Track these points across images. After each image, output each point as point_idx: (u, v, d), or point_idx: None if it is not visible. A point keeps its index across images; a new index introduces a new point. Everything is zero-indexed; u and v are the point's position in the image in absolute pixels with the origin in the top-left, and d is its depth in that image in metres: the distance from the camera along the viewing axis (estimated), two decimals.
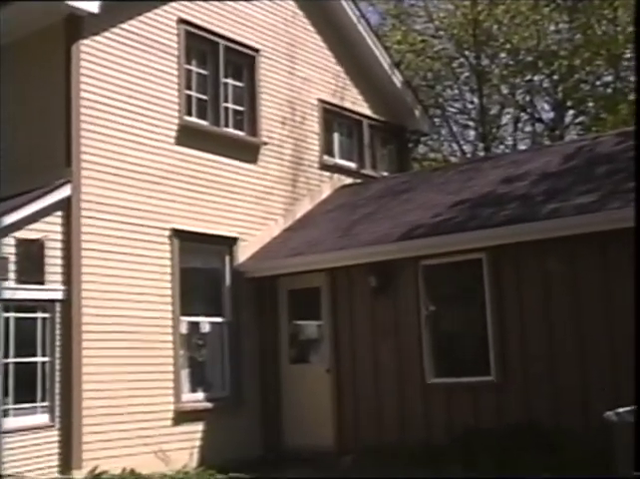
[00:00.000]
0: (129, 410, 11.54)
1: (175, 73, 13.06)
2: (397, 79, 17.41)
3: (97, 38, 12.01)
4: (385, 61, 17.11)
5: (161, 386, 12.06)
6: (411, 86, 18.24)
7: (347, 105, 16.64)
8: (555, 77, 25.30)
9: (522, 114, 27.71)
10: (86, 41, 11.85)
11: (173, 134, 12.93)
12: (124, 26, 12.42)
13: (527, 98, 27.13)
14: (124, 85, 12.26)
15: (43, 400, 10.83)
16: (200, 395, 12.80)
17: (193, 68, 13.60)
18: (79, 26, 11.75)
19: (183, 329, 12.63)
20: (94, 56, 11.93)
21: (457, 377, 11.62)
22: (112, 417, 11.34)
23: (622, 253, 9.99)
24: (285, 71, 15.26)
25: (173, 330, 12.36)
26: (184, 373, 12.59)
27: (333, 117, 16.44)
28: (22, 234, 10.78)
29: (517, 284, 11.17)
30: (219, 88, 13.82)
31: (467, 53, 26.17)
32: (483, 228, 11.27)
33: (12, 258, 10.57)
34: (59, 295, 11.03)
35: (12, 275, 10.57)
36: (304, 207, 15.20)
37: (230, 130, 14.04)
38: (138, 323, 11.86)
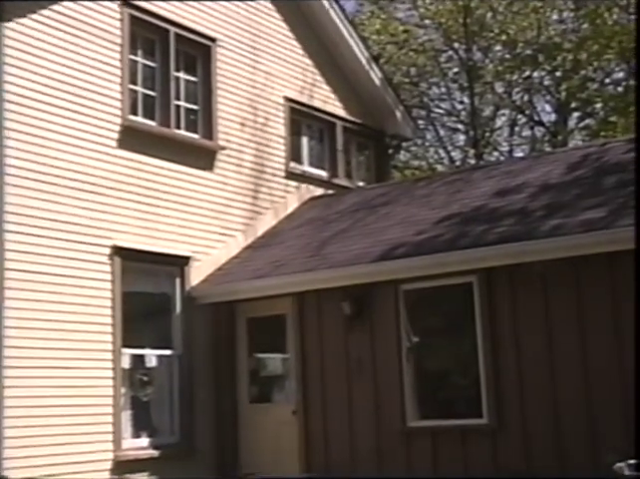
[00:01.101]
0: (60, 460, 11.34)
1: (118, 64, 12.99)
2: (375, 75, 17.47)
3: (23, 21, 11.90)
4: (362, 54, 17.18)
5: (98, 431, 11.91)
6: (391, 83, 18.32)
7: (317, 104, 16.67)
8: (558, 74, 25.55)
9: (520, 116, 27.95)
10: (10, 24, 11.73)
11: (115, 135, 12.85)
12: (56, 8, 12.32)
13: (526, 98, 27.38)
14: (56, 77, 12.15)
15: None
16: (145, 441, 12.69)
17: (139, 59, 13.56)
18: None
19: (125, 364, 12.52)
20: (19, 42, 11.80)
21: (443, 420, 11.61)
22: (39, 469, 11.12)
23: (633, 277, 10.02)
24: (246, 64, 15.25)
25: (113, 365, 12.24)
26: (126, 415, 12.47)
27: (301, 118, 16.45)
28: None
29: (514, 312, 11.18)
30: (170, 83, 13.78)
31: (456, 45, 26.37)
32: (474, 247, 11.29)
33: None
34: None
35: None
36: (267, 221, 15.19)
37: (182, 132, 14.01)
38: (70, 357, 11.72)
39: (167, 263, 13.32)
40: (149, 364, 12.94)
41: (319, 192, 16.36)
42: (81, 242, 12.15)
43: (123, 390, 12.40)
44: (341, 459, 12.29)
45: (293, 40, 16.32)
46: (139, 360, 12.80)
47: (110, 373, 12.20)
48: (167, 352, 13.18)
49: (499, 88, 26.74)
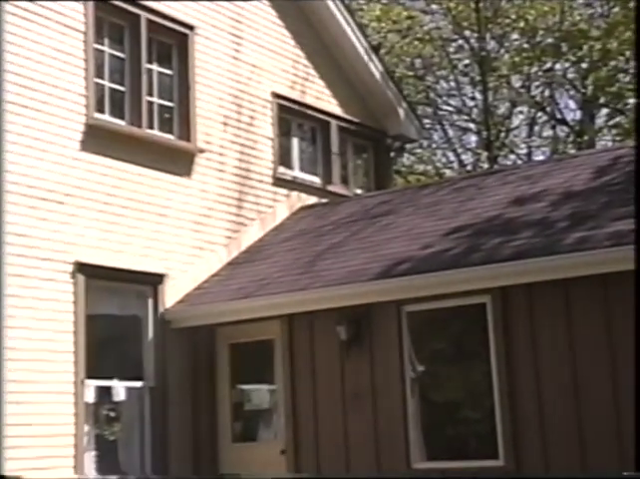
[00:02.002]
0: None
1: (81, 55, 12.97)
2: (375, 67, 17.48)
3: None
4: (360, 44, 17.20)
5: (59, 475, 11.74)
6: (394, 77, 18.35)
7: (310, 101, 16.67)
8: (584, 65, 25.50)
9: (540, 114, 27.96)
10: None
11: (78, 136, 12.82)
12: None
13: (546, 92, 27.39)
14: (9, 69, 12.08)
15: None
16: None
17: (106, 49, 13.56)
18: None
19: (90, 397, 12.45)
20: None
21: (453, 461, 11.56)
22: None
23: None
24: (229, 55, 15.26)
25: (75, 399, 12.16)
26: (89, 457, 12.39)
27: (292, 116, 16.46)
28: None
29: (533, 337, 11.13)
30: (141, 76, 13.76)
31: (467, 33, 26.36)
32: (488, 263, 11.29)
33: None
34: None
35: None
36: (253, 234, 15.18)
37: (155, 132, 14.00)
38: (25, 390, 11.61)
39: (138, 282, 13.30)
40: (116, 398, 12.88)
41: (311, 200, 16.38)
42: (38, 258, 12.09)
43: (86, 428, 12.33)
44: None
45: (282, 28, 16.33)
46: (105, 393, 12.74)
47: (71, 409, 12.11)
48: (138, 384, 13.12)
49: (516, 82, 26.77)
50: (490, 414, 11.32)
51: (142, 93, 13.74)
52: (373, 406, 12.11)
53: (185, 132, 14.33)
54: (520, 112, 28.49)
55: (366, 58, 17.29)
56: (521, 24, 25.07)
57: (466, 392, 11.80)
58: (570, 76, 26.62)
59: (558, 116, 27.80)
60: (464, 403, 11.84)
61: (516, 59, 25.42)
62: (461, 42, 26.90)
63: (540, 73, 26.33)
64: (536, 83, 27.05)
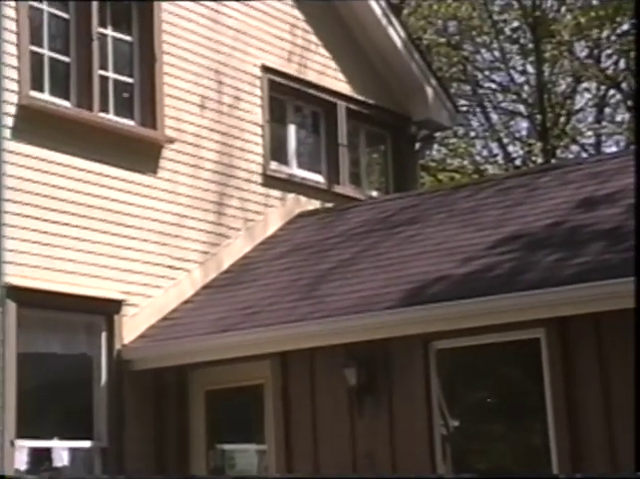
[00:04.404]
0: None
1: (12, 15, 13.02)
2: (396, 33, 17.56)
3: None
4: (376, 2, 17.27)
5: None
6: (420, 46, 18.35)
7: (311, 77, 16.76)
8: None
9: (612, 92, 27.97)
10: None
11: (9, 121, 12.90)
12: None
13: (621, 64, 27.40)
14: None
15: None
16: None
17: (45, 7, 13.63)
18: None
19: (22, 463, 12.47)
20: None
21: None
22: None
23: None
24: (206, 17, 15.33)
25: (2, 464, 12.09)
26: None
27: (287, 97, 16.58)
28: None
29: (603, 383, 11.11)
30: (91, 44, 13.82)
31: None
32: (543, 287, 11.28)
33: None
34: None
35: None
36: (237, 248, 15.25)
37: (110, 117, 14.08)
38: None
39: (88, 311, 13.35)
40: (57, 463, 12.90)
41: (313, 205, 16.45)
42: None
43: None
44: None
45: None
46: (42, 457, 12.77)
47: None
48: (86, 444, 13.16)
49: (581, 51, 26.79)
50: None
51: (92, 66, 13.80)
52: (392, 473, 12.04)
53: (150, 117, 14.40)
54: (586, 90, 28.52)
55: (384, 21, 17.36)
56: None
57: (514, 457, 11.83)
58: None
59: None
60: (511, 471, 11.78)
61: (581, 20, 25.46)
62: None
63: (613, 38, 26.38)
64: (608, 51, 27.08)
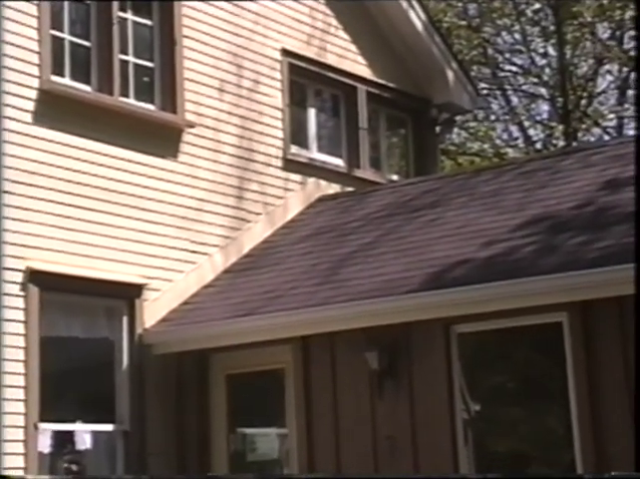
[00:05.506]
0: None
1: (34, 1, 13.01)
2: (416, 16, 17.50)
3: None
4: None
5: None
6: (440, 28, 18.30)
7: (331, 61, 16.74)
8: None
9: (634, 74, 27.84)
10: None
11: (30, 106, 12.90)
12: None
13: None
14: None
15: None
16: None
17: None
18: None
19: (45, 446, 12.51)
20: None
21: None
22: None
23: None
24: (226, 1, 15.29)
25: (26, 448, 12.19)
26: None
27: (307, 80, 16.56)
28: None
29: (626, 367, 11.02)
30: (112, 29, 13.83)
31: None
32: (566, 270, 11.26)
33: None
34: None
35: None
36: (258, 233, 15.26)
37: (131, 101, 14.08)
38: None
39: (109, 295, 13.37)
40: (80, 446, 12.92)
41: (333, 189, 16.44)
42: None
43: None
44: None
45: None
46: (65, 440, 12.80)
47: (20, 461, 12.13)
48: (109, 427, 13.19)
49: (604, 32, 26.69)
50: (570, 471, 11.24)
51: (113, 51, 13.80)
52: (413, 457, 12.08)
53: (170, 101, 14.40)
54: (609, 72, 28.43)
55: (404, 4, 17.30)
56: None
57: (536, 441, 11.78)
58: None
59: None
60: (533, 456, 11.85)
61: (604, 0, 25.37)
62: None
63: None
64: (631, 33, 26.96)
